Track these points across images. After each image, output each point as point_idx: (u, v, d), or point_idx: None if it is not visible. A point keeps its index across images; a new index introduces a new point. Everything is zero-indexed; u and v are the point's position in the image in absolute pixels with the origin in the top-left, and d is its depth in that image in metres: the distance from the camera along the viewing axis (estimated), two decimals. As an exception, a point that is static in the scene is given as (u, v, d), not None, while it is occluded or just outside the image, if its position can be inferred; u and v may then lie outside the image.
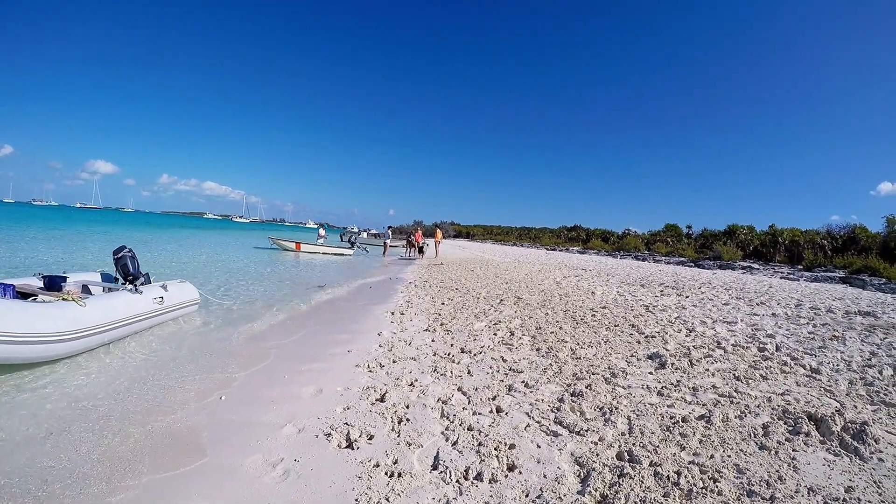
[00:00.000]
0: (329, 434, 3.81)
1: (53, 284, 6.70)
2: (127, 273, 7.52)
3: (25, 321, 5.02)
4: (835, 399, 4.85)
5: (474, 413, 4.28)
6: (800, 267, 33.29)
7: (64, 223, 50.49)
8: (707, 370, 5.75)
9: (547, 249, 65.38)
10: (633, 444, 3.62)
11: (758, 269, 30.66)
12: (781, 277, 24.52)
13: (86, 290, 7.03)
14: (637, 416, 4.21)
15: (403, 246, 36.53)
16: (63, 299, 5.93)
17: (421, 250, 37.96)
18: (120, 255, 7.60)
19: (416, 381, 5.18)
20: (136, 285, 7.35)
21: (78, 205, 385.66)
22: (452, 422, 4.06)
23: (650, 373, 5.64)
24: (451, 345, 6.81)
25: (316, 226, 44.12)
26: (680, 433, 3.82)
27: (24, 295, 6.23)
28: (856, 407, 4.62)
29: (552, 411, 4.31)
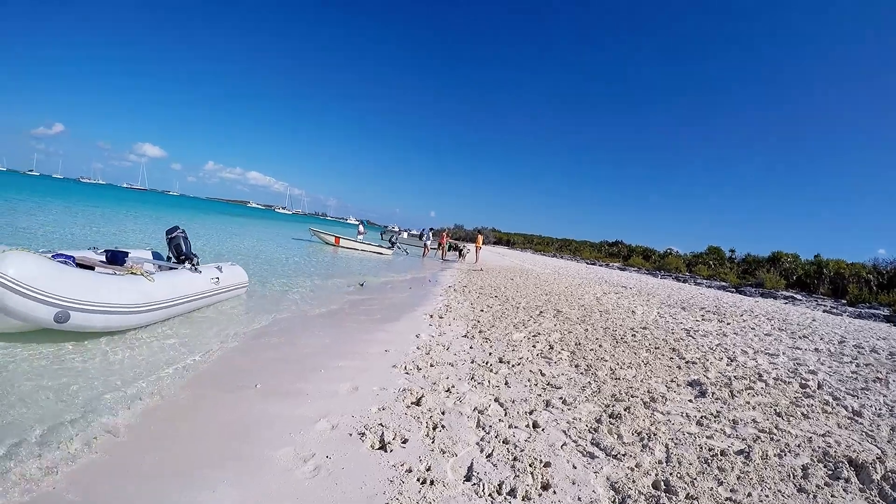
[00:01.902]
0: (363, 434, 3.83)
1: (116, 259, 6.90)
2: (180, 253, 7.72)
3: (104, 291, 5.34)
4: (876, 445, 4.73)
5: (510, 426, 4.27)
6: (843, 301, 32.60)
7: (111, 202, 51.57)
8: (748, 403, 5.66)
9: (587, 263, 64.94)
10: (671, 474, 3.59)
11: (800, 300, 30.08)
12: (825, 311, 24.03)
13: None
14: (675, 444, 4.17)
15: (427, 247, 36.34)
16: (132, 273, 6.17)
17: (461, 253, 37.92)
18: (173, 234, 7.78)
19: (453, 387, 5.19)
20: (195, 265, 7.58)
21: (125, 185, 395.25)
22: (488, 433, 4.06)
23: (690, 400, 5.58)
24: (490, 353, 6.80)
25: (357, 222, 44.40)
26: (718, 467, 3.78)
27: (84, 267, 6.37)
28: (897, 455, 4.52)
29: (589, 431, 4.29)
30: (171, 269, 7.41)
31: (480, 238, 38.01)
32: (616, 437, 4.22)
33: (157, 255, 8.26)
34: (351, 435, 3.82)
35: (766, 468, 3.86)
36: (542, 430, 4.25)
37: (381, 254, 29.92)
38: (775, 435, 4.66)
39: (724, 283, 41.04)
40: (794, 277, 43.13)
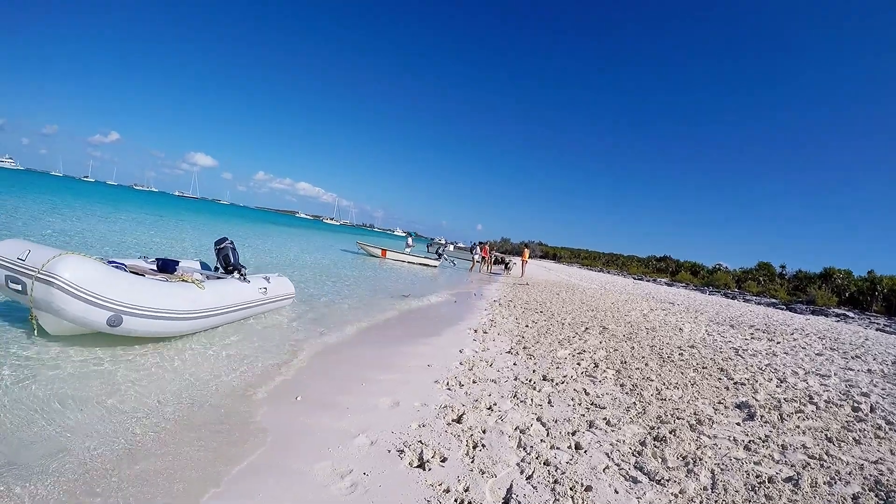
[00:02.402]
0: (402, 451, 3.82)
1: (167, 267, 7.03)
2: (228, 263, 7.86)
3: (157, 297, 5.48)
4: (931, 473, 4.60)
5: (552, 447, 4.23)
6: (898, 319, 31.86)
7: (164, 209, 52.72)
8: (798, 427, 5.53)
9: (634, 278, 64.36)
10: (715, 502, 3.52)
11: (853, 317, 29.43)
12: (878, 329, 23.48)
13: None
14: (721, 470, 4.09)
15: (475, 260, 36.22)
16: (183, 280, 6.33)
17: (507, 267, 37.88)
18: (222, 245, 7.93)
19: (495, 404, 5.15)
20: (243, 274, 7.75)
21: (177, 193, 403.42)
22: (529, 453, 4.02)
23: (738, 423, 5.47)
24: (533, 371, 6.75)
25: (404, 234, 44.84)
26: (766, 494, 3.70)
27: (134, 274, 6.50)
28: (954, 485, 4.38)
29: (633, 455, 4.23)
30: (219, 278, 7.55)
31: (527, 252, 37.87)
32: (660, 460, 4.16)
33: (205, 266, 8.43)
34: (389, 451, 3.82)
35: (815, 497, 3.78)
36: (585, 451, 4.20)
37: (428, 265, 30.02)
38: (825, 461, 4.56)
39: (773, 300, 40.39)
40: (847, 294, 42.23)
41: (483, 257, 36.70)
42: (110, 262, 6.07)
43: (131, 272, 6.26)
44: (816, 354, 11.41)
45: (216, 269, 8.14)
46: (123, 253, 12.02)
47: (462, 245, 59.67)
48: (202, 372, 5.25)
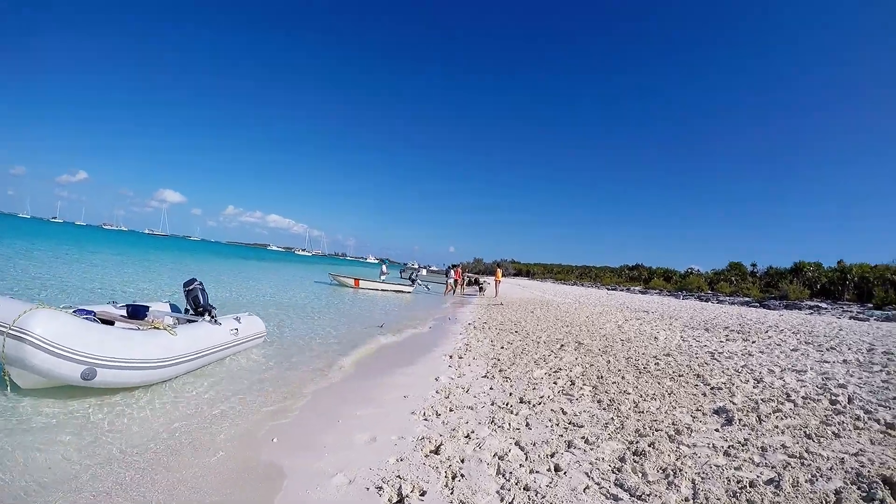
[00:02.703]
0: (380, 487, 3.77)
1: (137, 313, 7.02)
2: (197, 304, 7.89)
3: (129, 347, 5.46)
4: (911, 460, 4.62)
5: (531, 471, 4.18)
6: (870, 305, 32.23)
7: (134, 248, 52.57)
8: (776, 427, 5.52)
9: (608, 289, 64.79)
10: (698, 512, 3.49)
11: (826, 308, 29.75)
12: (851, 318, 23.73)
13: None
14: (702, 479, 4.05)
15: (449, 284, 36.46)
16: (155, 328, 6.27)
17: (481, 288, 38.05)
18: (191, 287, 7.95)
19: (473, 432, 5.11)
20: (213, 317, 7.66)
21: (147, 231, 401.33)
22: (508, 480, 3.97)
23: (716, 429, 5.46)
24: (510, 394, 6.72)
25: (376, 261, 44.86)
26: (747, 499, 3.67)
27: (104, 322, 6.47)
28: (935, 469, 4.38)
29: (613, 472, 4.18)
30: (189, 321, 7.53)
31: (500, 272, 38.21)
32: (641, 475, 4.12)
33: (174, 308, 8.43)
34: (368, 489, 3.77)
35: (797, 497, 3.75)
36: (564, 473, 4.15)
37: (402, 292, 30.10)
38: (806, 459, 4.55)
39: (747, 299, 40.81)
40: (818, 286, 42.78)
41: (455, 280, 36.83)
42: (79, 310, 6.06)
43: (101, 320, 6.24)
44: (792, 350, 11.48)
45: (186, 310, 8.09)
46: (93, 299, 11.93)
47: (435, 268, 59.88)
48: (170, 420, 5.17)
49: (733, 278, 56.96)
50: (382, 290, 30.35)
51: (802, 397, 6.90)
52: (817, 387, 7.56)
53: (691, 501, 3.67)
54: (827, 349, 11.70)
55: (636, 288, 65.61)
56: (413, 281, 33.74)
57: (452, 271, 36.97)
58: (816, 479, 4.08)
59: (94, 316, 6.30)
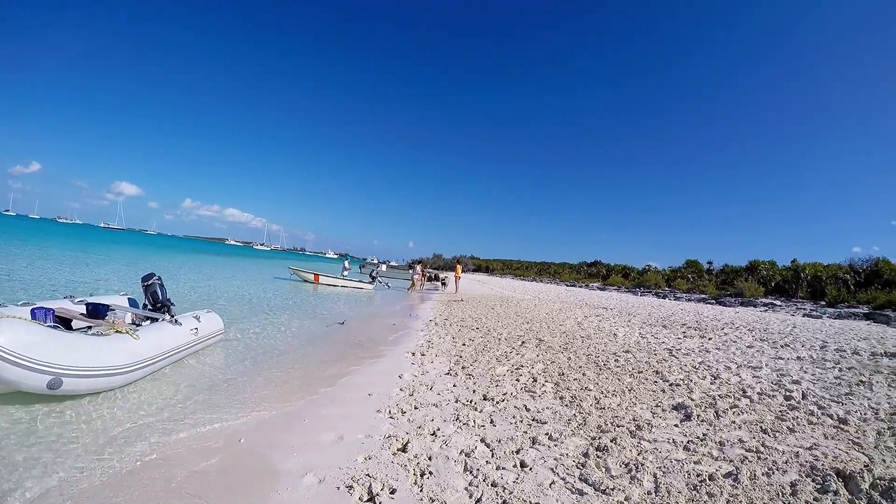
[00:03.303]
0: (351, 486, 3.78)
1: (97, 312, 6.87)
2: (156, 300, 7.78)
3: (94, 355, 5.39)
4: (863, 452, 4.76)
5: (498, 467, 4.23)
6: (823, 303, 33.00)
7: (90, 242, 51.51)
8: (733, 422, 5.66)
9: (567, 285, 65.25)
10: (660, 505, 3.58)
11: (780, 305, 30.35)
12: (804, 315, 24.24)
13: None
14: (663, 473, 4.15)
15: (414, 280, 36.33)
16: (117, 331, 6.17)
17: (443, 283, 38.09)
18: (149, 282, 7.83)
19: (439, 430, 5.14)
20: (173, 316, 7.65)
21: (102, 224, 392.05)
22: (476, 476, 4.02)
23: (676, 425, 5.57)
24: (474, 391, 6.76)
25: (336, 256, 44.46)
26: (707, 492, 3.77)
27: (63, 320, 6.43)
28: (884, 461, 4.51)
29: (577, 467, 4.26)
30: (147, 317, 7.48)
31: (459, 268, 38.09)
32: (604, 470, 4.20)
33: (133, 302, 8.35)
34: (339, 488, 3.77)
35: (754, 489, 3.86)
36: (530, 469, 4.21)
37: (362, 288, 29.92)
38: (762, 453, 4.67)
39: (703, 296, 41.42)
40: (773, 284, 43.67)
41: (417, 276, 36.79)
42: (37, 310, 5.98)
43: (60, 318, 6.16)
44: (747, 347, 11.70)
45: (144, 305, 7.98)
46: (49, 295, 11.67)
47: (395, 264, 59.67)
48: (133, 421, 5.08)
49: (690, 275, 57.85)
50: (343, 286, 30.13)
51: (758, 393, 7.06)
52: (772, 383, 7.73)
53: (653, 495, 3.76)
54: (781, 346, 11.96)
55: (595, 284, 66.20)
56: (373, 278, 33.51)
57: (418, 266, 36.86)
58: (773, 472, 4.20)
59: (53, 314, 6.21)
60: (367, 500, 3.62)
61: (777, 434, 5.28)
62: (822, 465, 4.33)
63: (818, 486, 3.90)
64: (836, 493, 3.77)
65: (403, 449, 4.61)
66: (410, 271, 36.52)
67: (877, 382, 7.79)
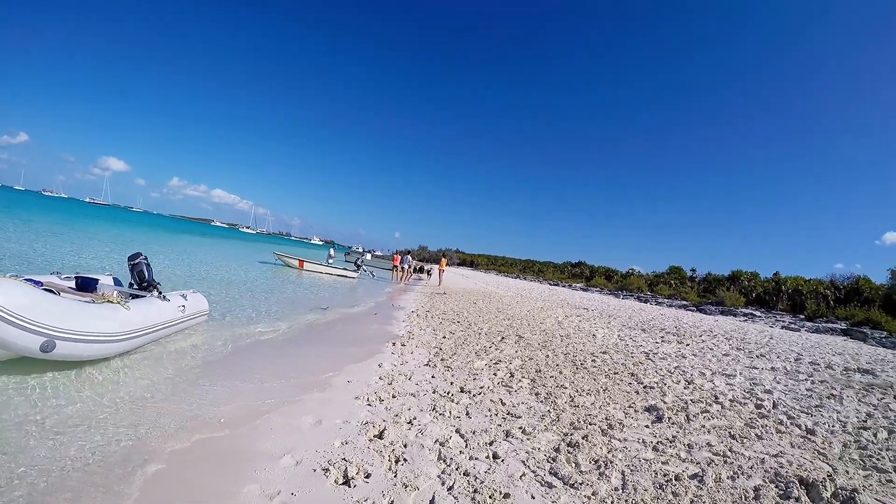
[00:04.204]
0: (327, 469, 3.83)
1: (87, 286, 6.83)
2: (142, 279, 7.68)
3: (88, 320, 5.39)
4: (827, 463, 4.87)
5: (471, 458, 4.30)
6: (802, 316, 33.30)
7: (76, 217, 51.05)
8: (703, 426, 5.76)
9: (550, 284, 65.34)
10: (626, 501, 3.67)
11: (760, 316, 30.62)
12: (783, 327, 24.47)
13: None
14: (631, 471, 4.24)
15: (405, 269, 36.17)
16: (109, 301, 6.19)
17: (428, 273, 38.06)
18: (136, 261, 7.73)
19: (415, 418, 5.19)
20: (160, 292, 7.62)
21: (88, 199, 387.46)
22: (449, 465, 4.08)
23: (647, 426, 5.66)
24: (451, 383, 6.82)
25: (322, 242, 44.15)
26: (672, 492, 3.86)
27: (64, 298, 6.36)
28: (847, 472, 4.62)
29: (548, 461, 4.34)
30: (135, 296, 7.38)
31: (444, 261, 37.99)
32: (574, 465, 4.28)
33: (117, 282, 8.15)
34: (315, 470, 3.82)
35: (718, 491, 3.95)
36: (502, 460, 4.29)
37: (347, 276, 29.82)
38: (729, 457, 4.76)
39: (684, 302, 41.63)
40: (754, 294, 43.99)
41: (395, 265, 36.66)
42: (28, 280, 5.95)
43: (49, 290, 6.14)
44: (723, 355, 11.83)
45: (130, 285, 7.90)
46: (33, 269, 11.58)
47: (380, 253, 59.36)
48: (114, 399, 5.06)
49: (673, 281, 58.16)
50: (327, 272, 29.94)
51: (730, 400, 7.17)
52: (745, 391, 7.85)
53: (620, 491, 3.85)
54: (757, 356, 12.10)
55: (578, 285, 66.37)
56: (358, 266, 33.33)
57: (409, 258, 36.57)
58: (738, 476, 4.30)
59: (42, 286, 6.03)
60: (342, 483, 3.66)
61: (745, 440, 5.39)
62: (787, 472, 4.43)
63: (781, 493, 4.00)
64: (797, 499, 3.87)
65: (380, 435, 4.67)
66: (402, 262, 35.92)
67: (847, 397, 7.92)
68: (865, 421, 6.57)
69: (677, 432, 5.48)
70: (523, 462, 4.30)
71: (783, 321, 28.03)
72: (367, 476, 3.79)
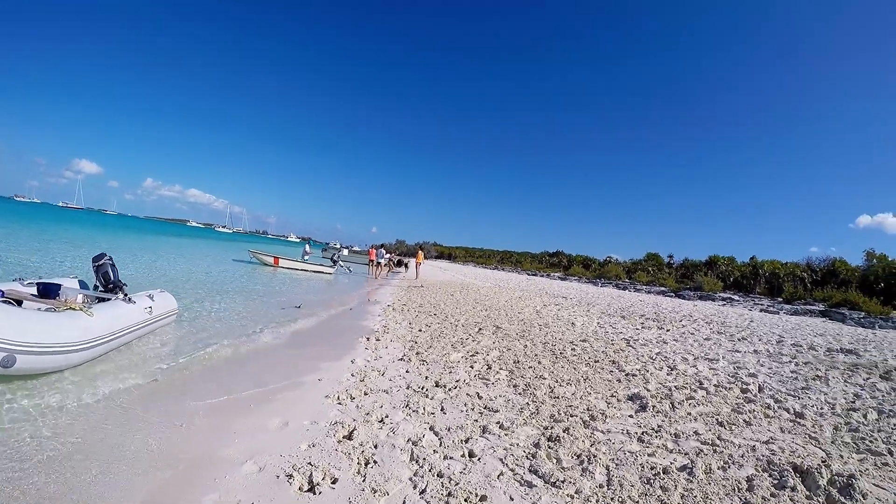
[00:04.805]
0: (291, 475, 3.59)
1: (49, 292, 6.58)
2: (108, 281, 7.47)
3: (48, 331, 5.13)
4: (820, 448, 4.70)
5: (445, 457, 4.06)
6: (780, 299, 33.57)
7: (48, 222, 50.72)
8: (689, 414, 5.57)
9: (528, 275, 65.69)
10: (612, 499, 3.43)
11: (738, 300, 30.80)
12: (762, 310, 24.61)
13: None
14: (616, 465, 4.01)
15: (383, 264, 36.04)
16: (71, 308, 5.94)
17: (406, 266, 38.05)
18: (101, 262, 7.53)
19: (387, 416, 4.97)
20: (126, 294, 7.35)
21: (61, 204, 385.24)
22: (422, 466, 3.85)
23: (630, 416, 5.45)
24: (426, 377, 6.60)
25: (298, 239, 44.01)
26: (661, 486, 3.63)
27: (14, 301, 6.11)
28: (842, 456, 4.46)
29: (527, 458, 4.11)
30: (100, 298, 7.18)
31: (421, 254, 38.09)
32: (555, 461, 4.05)
33: (83, 284, 7.94)
34: (278, 477, 3.58)
35: (710, 483, 3.74)
36: (479, 459, 4.06)
37: (323, 272, 29.68)
38: (718, 446, 4.57)
39: (663, 288, 41.95)
40: (732, 279, 44.39)
41: (371, 260, 36.48)
42: None
43: (10, 300, 5.88)
44: (705, 339, 11.74)
45: (96, 287, 7.65)
46: (3, 276, 11.27)
47: (357, 248, 59.30)
48: (76, 405, 4.77)
49: (650, 268, 58.57)
50: (302, 269, 29.72)
51: (715, 385, 7.00)
52: (729, 375, 7.71)
53: (605, 488, 3.61)
54: (739, 339, 12.03)
55: (556, 274, 66.72)
56: (335, 262, 33.18)
57: (383, 251, 36.38)
58: (729, 466, 4.09)
59: (3, 295, 5.92)
60: (307, 490, 3.44)
61: (733, 427, 5.21)
62: (780, 459, 4.23)
63: (775, 482, 3.80)
64: (793, 488, 3.67)
65: (349, 436, 4.43)
66: (378, 257, 35.65)
67: (833, 378, 7.81)
68: (854, 402, 6.45)
69: (663, 421, 5.28)
70: (501, 460, 4.06)
71: (762, 304, 28.24)
72: (334, 481, 3.55)
